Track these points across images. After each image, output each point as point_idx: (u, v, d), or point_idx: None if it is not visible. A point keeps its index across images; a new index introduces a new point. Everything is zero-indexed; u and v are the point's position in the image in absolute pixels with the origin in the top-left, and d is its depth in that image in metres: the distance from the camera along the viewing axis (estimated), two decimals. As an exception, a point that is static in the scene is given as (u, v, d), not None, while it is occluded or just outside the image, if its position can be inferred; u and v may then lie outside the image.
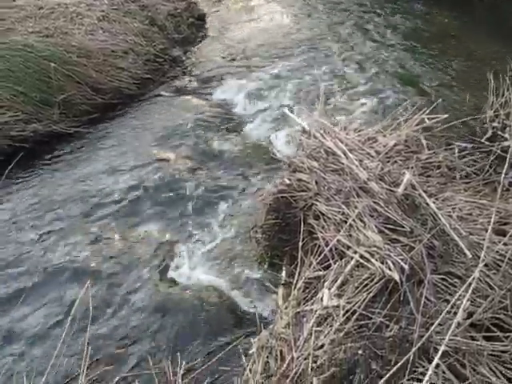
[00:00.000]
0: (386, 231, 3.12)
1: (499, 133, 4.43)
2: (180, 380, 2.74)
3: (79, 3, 6.74)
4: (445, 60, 6.69)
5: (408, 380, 2.42)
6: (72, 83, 5.61)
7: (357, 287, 2.86)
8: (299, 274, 3.22)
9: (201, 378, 2.98)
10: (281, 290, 3.49)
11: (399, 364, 2.35)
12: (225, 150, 5.15)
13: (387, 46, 7.21)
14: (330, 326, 2.71)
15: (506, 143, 4.27)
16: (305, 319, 2.84)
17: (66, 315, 3.36)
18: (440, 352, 2.27)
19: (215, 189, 4.62)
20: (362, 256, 3.00)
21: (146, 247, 4.05)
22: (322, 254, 3.15)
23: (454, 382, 2.52)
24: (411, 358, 2.39)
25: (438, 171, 3.92)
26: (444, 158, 4.03)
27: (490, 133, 4.47)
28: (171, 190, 4.62)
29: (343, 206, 3.33)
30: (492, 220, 2.89)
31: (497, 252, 3.07)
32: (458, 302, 2.59)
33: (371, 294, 2.80)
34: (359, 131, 4.15)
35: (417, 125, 4.14)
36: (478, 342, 2.66)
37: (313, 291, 3.06)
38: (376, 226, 3.12)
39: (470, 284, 2.53)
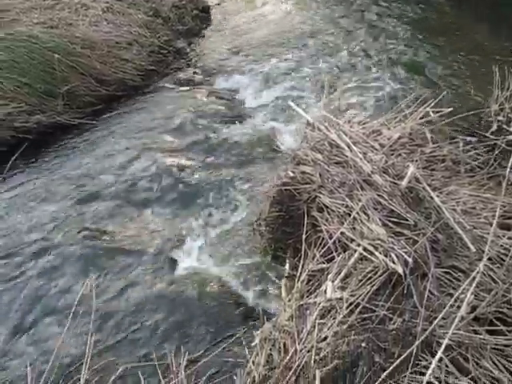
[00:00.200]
0: (390, 224, 3.11)
1: (504, 126, 4.41)
2: (183, 371, 2.74)
3: (83, -6, 6.73)
4: (450, 52, 6.66)
5: (411, 373, 2.42)
6: (76, 74, 5.60)
7: (360, 280, 2.86)
8: (303, 266, 3.22)
9: (203, 369, 2.98)
10: (284, 283, 3.49)
11: (402, 357, 2.35)
12: (229, 142, 5.15)
13: (392, 37, 7.18)
14: (334, 319, 2.70)
15: (510, 137, 4.26)
16: (308, 312, 2.84)
17: (69, 304, 3.35)
18: (443, 346, 2.26)
19: (219, 180, 4.62)
20: (365, 249, 2.99)
21: (148, 238, 4.05)
22: (326, 247, 3.14)
23: (457, 376, 2.52)
24: (414, 351, 2.39)
25: (442, 165, 3.90)
26: (448, 151, 4.01)
27: (494, 126, 4.45)
28: (174, 182, 4.61)
29: (347, 199, 3.32)
30: (497, 214, 2.87)
31: (501, 246, 3.07)
32: (462, 296, 2.58)
33: (375, 287, 2.79)
34: (363, 124, 4.13)
35: (421, 118, 4.12)
36: (482, 336, 2.66)
37: (316, 284, 3.05)
38: (380, 219, 3.11)
39: (473, 278, 2.52)
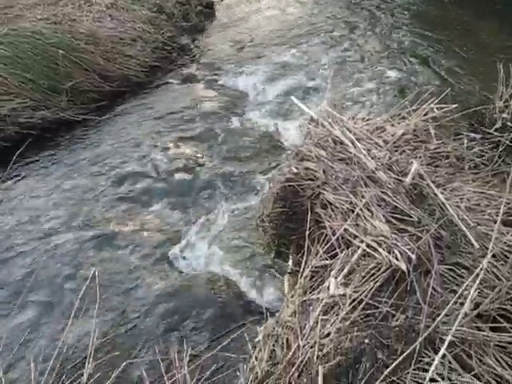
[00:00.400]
0: (394, 221, 3.11)
1: (509, 123, 4.39)
2: (186, 367, 2.74)
3: (87, -10, 6.73)
4: (455, 48, 6.65)
5: (414, 370, 2.42)
6: (80, 70, 5.60)
7: (363, 276, 2.86)
8: (306, 262, 3.22)
9: (206, 364, 2.98)
10: (287, 279, 3.49)
11: (405, 354, 2.34)
12: (232, 137, 5.15)
13: (396, 33, 7.17)
14: (337, 315, 2.70)
15: (515, 134, 4.26)
16: (311, 308, 2.84)
17: (73, 299, 3.36)
18: (446, 342, 2.26)
19: (222, 176, 4.63)
20: (368, 245, 2.99)
21: (152, 233, 4.06)
22: (329, 243, 3.14)
23: (460, 373, 2.52)
24: (417, 347, 2.38)
25: (446, 161, 3.90)
26: (453, 148, 4.01)
27: (499, 123, 4.43)
28: (178, 177, 4.63)
29: (351, 195, 3.32)
30: (501, 211, 2.87)
31: (505, 243, 3.06)
32: (465, 293, 2.58)
33: (378, 284, 2.79)
34: (367, 120, 4.14)
35: (425, 114, 4.11)
36: (485, 333, 2.65)
37: (319, 280, 3.06)
38: (383, 216, 3.11)
39: (477, 275, 2.51)
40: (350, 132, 3.74)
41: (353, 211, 3.22)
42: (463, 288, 2.58)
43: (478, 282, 2.52)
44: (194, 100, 5.79)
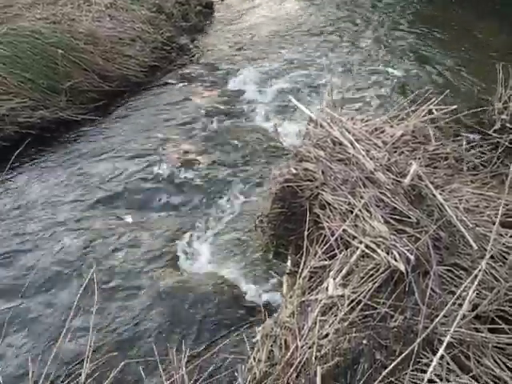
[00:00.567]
0: (392, 222, 3.11)
1: (508, 125, 4.39)
2: (184, 367, 2.74)
3: (87, -10, 6.73)
4: (454, 49, 6.66)
5: (412, 371, 2.42)
6: (79, 70, 5.61)
7: (362, 277, 2.86)
8: (304, 263, 3.21)
9: (205, 365, 2.98)
10: (286, 279, 3.49)
11: (404, 355, 2.35)
12: (231, 138, 5.16)
13: (395, 33, 7.19)
14: (335, 316, 2.70)
15: (514, 135, 4.26)
16: (309, 308, 2.83)
17: (71, 299, 3.35)
18: (445, 343, 2.26)
19: (221, 177, 4.63)
20: (367, 246, 2.99)
21: (151, 234, 4.05)
22: (328, 244, 3.14)
23: (458, 374, 2.52)
24: (416, 348, 2.39)
25: (445, 162, 3.90)
26: (451, 149, 4.01)
27: (498, 125, 4.43)
28: (177, 178, 4.63)
29: (349, 196, 3.32)
30: (499, 212, 2.87)
31: (503, 244, 3.06)
32: (464, 294, 2.58)
33: (376, 285, 2.79)
34: (366, 121, 4.14)
35: (424, 115, 4.12)
36: (483, 334, 2.65)
37: (318, 280, 3.05)
38: (382, 217, 3.11)
39: (476, 276, 2.52)
40: (349, 133, 3.74)
41: (351, 212, 3.22)
42: (462, 289, 2.58)
43: (476, 283, 2.52)
44: (193, 100, 5.79)
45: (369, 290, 2.77)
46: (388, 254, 2.88)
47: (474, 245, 2.99)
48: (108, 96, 5.74)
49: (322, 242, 3.24)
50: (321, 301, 2.80)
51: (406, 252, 2.84)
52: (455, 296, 2.57)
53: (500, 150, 4.16)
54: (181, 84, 6.16)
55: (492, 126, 4.47)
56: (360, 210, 3.18)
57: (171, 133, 5.23)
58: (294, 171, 3.67)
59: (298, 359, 2.55)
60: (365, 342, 2.54)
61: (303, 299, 2.94)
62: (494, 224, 3.00)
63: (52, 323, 3.38)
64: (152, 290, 3.59)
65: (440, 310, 2.58)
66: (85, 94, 5.59)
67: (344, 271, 2.92)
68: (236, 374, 2.94)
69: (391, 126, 4.04)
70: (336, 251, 3.10)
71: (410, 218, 3.11)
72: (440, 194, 3.29)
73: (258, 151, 4.95)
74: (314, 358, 2.52)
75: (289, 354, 2.62)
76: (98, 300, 2.98)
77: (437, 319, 2.46)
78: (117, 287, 3.63)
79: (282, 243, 3.75)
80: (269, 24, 7.66)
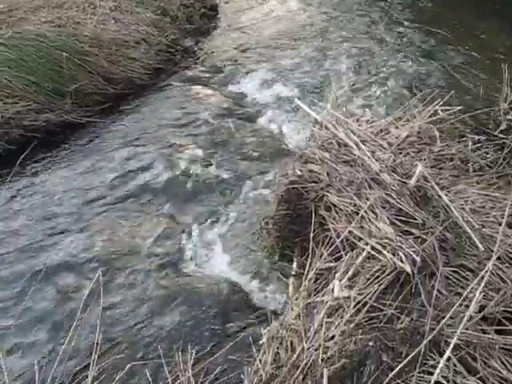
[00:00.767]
0: (398, 223, 3.10)
1: (513, 125, 4.39)
2: (190, 369, 2.74)
3: (91, -7, 6.74)
4: (459, 49, 6.64)
5: (419, 372, 2.41)
6: (84, 73, 5.61)
7: (368, 279, 2.85)
8: (310, 265, 3.21)
9: (211, 367, 2.98)
10: (292, 281, 3.49)
11: (410, 356, 2.34)
12: (236, 140, 5.15)
13: (400, 34, 7.16)
14: (341, 318, 2.70)
15: (520, 136, 4.25)
16: (315, 310, 2.83)
17: (77, 302, 3.36)
18: (452, 345, 2.26)
19: (226, 178, 4.63)
20: (373, 248, 2.99)
21: (157, 235, 4.05)
22: (334, 246, 3.14)
23: (465, 376, 2.51)
24: (422, 350, 2.38)
25: (450, 163, 3.89)
26: (457, 150, 4.00)
27: (504, 125, 4.43)
28: (182, 179, 4.62)
29: (355, 198, 3.31)
30: (506, 213, 2.86)
31: (510, 245, 3.05)
32: (470, 295, 2.57)
33: (382, 286, 2.78)
34: (371, 122, 4.13)
35: (430, 116, 4.11)
36: (490, 336, 2.65)
37: (324, 282, 3.05)
38: (388, 218, 3.10)
39: (482, 277, 2.51)
40: (354, 134, 3.74)
41: (357, 213, 3.21)
42: (468, 290, 2.57)
43: (483, 284, 2.51)
44: (198, 102, 5.79)
45: (375, 292, 2.76)
46: (394, 255, 2.87)
47: (480, 246, 2.98)
48: (113, 98, 5.74)
49: (328, 243, 3.23)
50: (327, 303, 2.80)
51: (412, 253, 2.83)
52: (462, 297, 2.56)
53: (506, 151, 4.15)
54: (185, 86, 6.16)
55: (498, 126, 4.47)
56: (366, 212, 3.18)
57: (176, 135, 5.23)
58: (299, 173, 3.67)
59: (305, 361, 2.55)
60: (371, 343, 2.53)
61: (309, 301, 2.94)
62: (500, 225, 2.99)
63: (57, 325, 3.39)
64: (157, 292, 3.60)
65: (446, 311, 2.58)
66: (90, 96, 5.59)
67: (350, 273, 2.92)
68: (242, 376, 2.94)
69: (396, 127, 4.03)
70: (342, 253, 3.09)
71: (415, 219, 3.11)
72: (446, 195, 3.28)
73: (263, 153, 4.94)
74: (320, 360, 2.52)
75: (295, 356, 2.61)
76: (104, 301, 2.99)
77: (443, 321, 2.46)
78: (122, 288, 3.63)
79: (288, 245, 3.74)
80: (273, 25, 7.65)
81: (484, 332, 2.66)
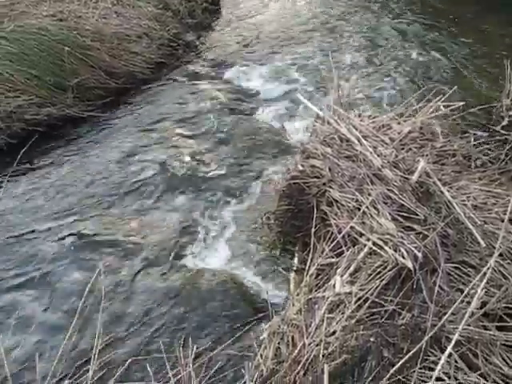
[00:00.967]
0: (400, 219, 3.10)
1: (516, 121, 4.38)
2: (191, 364, 2.74)
3: (93, -13, 6.72)
4: (462, 44, 6.61)
5: (420, 368, 2.41)
6: (86, 67, 5.60)
7: (369, 274, 2.85)
8: (311, 260, 3.21)
9: (212, 362, 2.98)
10: (293, 277, 3.49)
11: (411, 352, 2.34)
12: (238, 135, 5.14)
13: (402, 31, 7.13)
14: (342, 313, 2.70)
15: (522, 132, 4.24)
16: (317, 306, 2.83)
17: (78, 297, 3.36)
18: (453, 341, 2.25)
19: (228, 173, 4.62)
20: (375, 243, 2.99)
21: (158, 231, 4.05)
22: (335, 241, 3.14)
23: (466, 372, 2.51)
24: (423, 346, 2.38)
25: (452, 159, 3.89)
26: (459, 146, 3.99)
27: (506, 121, 4.42)
28: (184, 174, 4.62)
29: (357, 193, 3.31)
30: (508, 209, 2.85)
31: (512, 242, 3.05)
32: (472, 292, 2.57)
33: (384, 282, 2.79)
34: (373, 118, 4.12)
35: (432, 112, 4.10)
36: (491, 332, 2.64)
37: (325, 278, 3.05)
38: (390, 214, 3.10)
39: (484, 273, 2.50)
40: (356, 129, 3.73)
41: (359, 209, 3.21)
42: (470, 287, 2.57)
43: (485, 281, 2.51)
44: (200, 97, 5.78)
45: (376, 288, 2.76)
46: (396, 251, 2.87)
47: (482, 242, 2.98)
48: (114, 93, 5.73)
49: (329, 239, 3.23)
50: (328, 298, 2.80)
51: (413, 249, 2.83)
52: (464, 294, 2.56)
53: (508, 147, 4.14)
54: (187, 80, 6.15)
55: (500, 122, 4.45)
56: (367, 207, 3.17)
57: (177, 129, 5.22)
58: (301, 168, 3.67)
59: (306, 357, 2.55)
60: (372, 339, 2.53)
61: (310, 296, 2.94)
62: (502, 221, 2.99)
63: (60, 318, 3.40)
64: (159, 287, 3.60)
65: (448, 307, 2.57)
66: (91, 90, 5.59)
67: (351, 268, 2.92)
68: (243, 370, 2.94)
69: (398, 123, 4.02)
70: (343, 248, 3.10)
71: (417, 215, 3.11)
72: (448, 190, 3.28)
73: (265, 147, 4.94)
74: (321, 356, 2.52)
75: (296, 351, 2.62)
76: (105, 296, 2.99)
77: (445, 317, 2.45)
78: (124, 283, 3.63)
79: (289, 240, 3.75)
80: (276, 21, 7.63)
81: (485, 328, 2.66)
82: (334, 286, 2.85)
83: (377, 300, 2.73)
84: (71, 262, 3.79)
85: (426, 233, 2.99)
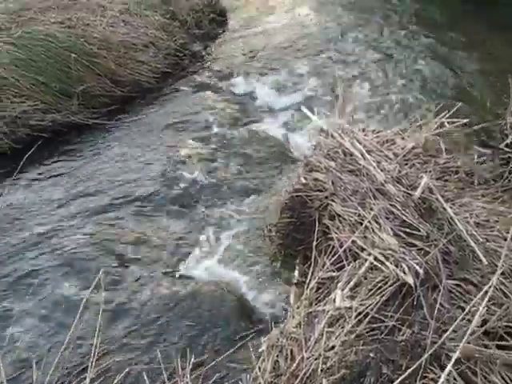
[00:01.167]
0: (402, 234, 3.09)
1: (519, 140, 4.37)
2: (188, 375, 2.73)
3: (101, -5, 6.76)
4: (466, 61, 6.61)
5: (418, 385, 2.40)
6: (92, 75, 5.63)
7: (370, 289, 2.84)
8: (312, 273, 3.21)
9: (209, 373, 2.97)
10: (293, 290, 3.48)
11: (411, 369, 2.32)
12: (242, 146, 5.14)
13: (409, 46, 7.13)
14: (342, 328, 2.69)
15: (526, 150, 4.23)
16: (316, 319, 2.82)
17: (75, 307, 3.35)
18: (453, 359, 2.24)
19: (231, 184, 4.62)
20: (376, 258, 2.98)
21: (159, 241, 4.05)
22: (336, 255, 3.13)
23: (465, 390, 2.49)
24: (423, 363, 2.36)
25: (455, 176, 3.88)
26: (462, 162, 3.99)
27: (510, 139, 4.40)
28: (186, 185, 4.62)
29: (359, 208, 3.31)
30: (511, 227, 2.84)
31: (514, 260, 3.04)
32: (473, 309, 2.56)
33: (384, 297, 2.78)
34: (377, 133, 4.13)
35: (436, 128, 4.10)
36: (491, 351, 2.63)
37: (325, 292, 3.04)
38: (392, 229, 3.10)
39: (486, 292, 2.49)
40: (360, 144, 3.73)
41: (361, 223, 3.21)
42: (471, 304, 2.56)
43: (486, 299, 2.50)
44: (205, 107, 5.79)
45: (377, 303, 2.75)
46: (397, 266, 2.86)
47: (484, 260, 2.97)
48: (120, 101, 5.75)
49: (331, 252, 3.23)
50: (328, 312, 2.79)
51: (415, 265, 2.82)
52: (465, 311, 2.55)
53: (511, 165, 4.13)
54: (193, 91, 6.17)
55: (504, 140, 4.45)
56: (369, 222, 3.17)
57: (181, 139, 5.23)
58: (304, 181, 3.67)
59: (304, 370, 2.54)
60: (372, 355, 2.52)
61: (310, 310, 2.93)
62: (505, 239, 2.98)
63: (57, 325, 3.39)
64: (158, 297, 3.59)
65: (448, 324, 2.56)
66: (97, 98, 5.61)
67: (352, 283, 2.91)
68: (241, 383, 2.93)
69: (402, 138, 4.03)
70: (344, 262, 3.09)
71: (419, 231, 3.10)
72: (450, 207, 3.27)
73: (269, 160, 4.93)
74: (319, 370, 2.51)
75: (294, 364, 2.60)
76: (104, 304, 2.99)
77: (445, 334, 2.44)
78: (123, 291, 3.62)
79: (290, 253, 3.74)
80: (282, 32, 7.64)
81: (485, 346, 2.64)
82: (334, 300, 2.85)
83: (377, 315, 2.72)
84: (69, 270, 3.79)
85: (427, 249, 2.98)
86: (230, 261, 3.89)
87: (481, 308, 2.44)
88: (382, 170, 3.48)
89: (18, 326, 3.38)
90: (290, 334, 2.86)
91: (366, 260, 3.01)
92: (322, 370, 2.51)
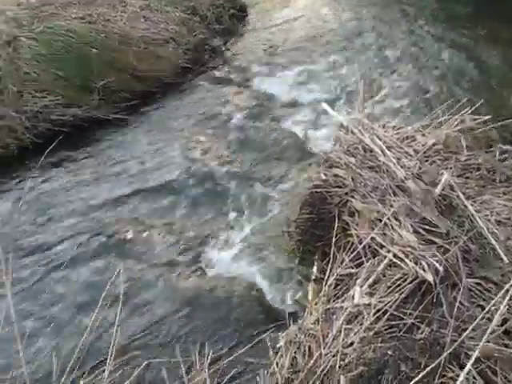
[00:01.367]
0: (422, 231, 3.06)
1: (541, 136, 4.32)
2: (206, 369, 2.74)
3: (122, -9, 6.79)
4: (487, 58, 6.52)
5: (437, 384, 2.38)
6: (112, 70, 5.67)
7: (389, 287, 2.82)
8: (331, 270, 3.19)
9: (227, 368, 2.97)
10: (311, 286, 3.47)
11: (429, 368, 2.30)
12: (262, 142, 5.14)
13: (430, 40, 7.05)
14: (360, 325, 2.68)
15: (548, 147, 4.17)
16: (335, 316, 2.81)
17: (96, 299, 3.37)
18: (473, 358, 2.21)
19: (250, 180, 4.62)
20: (395, 255, 2.96)
21: (177, 235, 4.07)
22: (355, 252, 3.11)
23: (485, 389, 2.47)
24: (442, 362, 2.34)
25: (477, 173, 3.84)
26: (484, 159, 3.94)
27: (532, 136, 4.35)
28: (206, 180, 4.63)
29: (379, 204, 3.29)
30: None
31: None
32: (493, 308, 2.53)
33: (403, 295, 2.76)
34: (398, 129, 4.09)
35: (457, 125, 4.06)
36: (511, 350, 2.60)
37: (344, 288, 3.03)
38: (411, 226, 3.07)
39: (507, 290, 2.46)
40: (380, 140, 3.70)
41: (380, 220, 3.19)
42: (492, 303, 2.53)
43: (508, 297, 2.47)
44: (225, 102, 5.79)
45: (395, 300, 2.73)
46: (416, 264, 2.84)
47: (505, 258, 2.93)
48: (140, 96, 5.78)
49: (350, 249, 3.21)
50: (346, 309, 2.78)
51: (434, 263, 2.79)
52: (486, 310, 2.52)
53: (533, 162, 4.08)
54: (212, 86, 6.17)
55: (526, 137, 4.39)
56: (389, 219, 3.15)
57: (201, 134, 5.24)
58: (324, 177, 3.65)
59: (322, 367, 2.53)
60: (390, 352, 2.50)
61: (328, 306, 2.92)
62: (526, 237, 2.94)
63: (76, 321, 3.42)
64: (176, 292, 3.60)
65: (468, 323, 2.53)
66: (117, 93, 5.64)
67: (371, 280, 2.89)
68: (258, 378, 2.92)
69: (423, 135, 3.99)
70: (363, 259, 3.07)
71: (439, 228, 3.07)
72: (471, 204, 3.24)
73: (288, 154, 4.93)
74: (337, 367, 2.50)
75: (312, 361, 2.59)
76: (123, 299, 3.00)
77: (465, 333, 2.41)
78: (141, 287, 3.64)
79: (309, 249, 3.72)
80: (302, 28, 7.61)
81: (506, 346, 2.61)
82: (352, 296, 2.83)
83: (396, 313, 2.70)
84: (90, 263, 3.82)
85: (447, 247, 2.95)
86: (249, 256, 3.90)
87: (501, 307, 2.41)
88: (402, 167, 3.46)
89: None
90: (308, 330, 2.85)
91: (385, 257, 2.99)
92: (339, 367, 2.50)
